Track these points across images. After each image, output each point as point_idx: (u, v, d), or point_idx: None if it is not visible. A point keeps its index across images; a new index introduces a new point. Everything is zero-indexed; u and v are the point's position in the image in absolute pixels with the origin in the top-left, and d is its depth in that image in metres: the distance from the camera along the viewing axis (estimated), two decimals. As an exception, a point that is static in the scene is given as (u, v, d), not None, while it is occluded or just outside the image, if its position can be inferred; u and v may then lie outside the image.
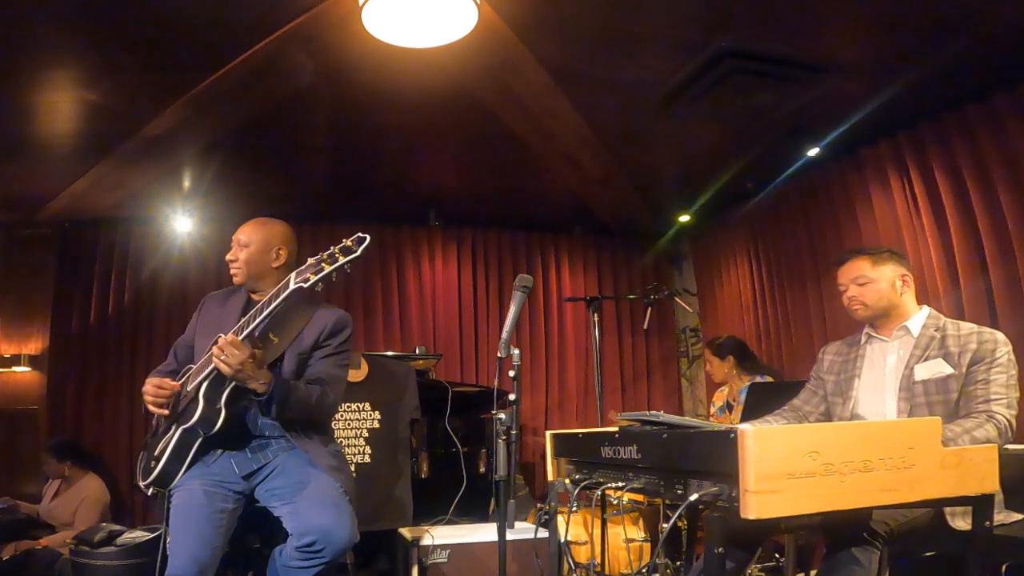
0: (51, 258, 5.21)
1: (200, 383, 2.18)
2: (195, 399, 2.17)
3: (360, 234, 1.97)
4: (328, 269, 1.95)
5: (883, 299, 2.27)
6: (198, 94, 3.53)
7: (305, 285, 1.98)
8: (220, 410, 2.16)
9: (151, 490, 2.30)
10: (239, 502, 2.27)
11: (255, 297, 2.43)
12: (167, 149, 4.14)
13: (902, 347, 2.26)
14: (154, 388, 2.26)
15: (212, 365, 2.14)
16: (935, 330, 2.21)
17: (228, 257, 2.42)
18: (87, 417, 5.12)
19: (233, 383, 2.15)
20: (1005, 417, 2.00)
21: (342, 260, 1.95)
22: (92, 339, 5.20)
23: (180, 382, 2.35)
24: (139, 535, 3.37)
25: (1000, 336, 2.12)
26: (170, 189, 4.72)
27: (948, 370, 2.11)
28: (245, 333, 2.09)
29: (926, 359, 2.17)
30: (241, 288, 2.49)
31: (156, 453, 2.28)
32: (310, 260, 2.00)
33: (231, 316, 2.38)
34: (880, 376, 2.28)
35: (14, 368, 4.98)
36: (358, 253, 1.95)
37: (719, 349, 4.37)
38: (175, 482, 2.25)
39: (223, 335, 2.08)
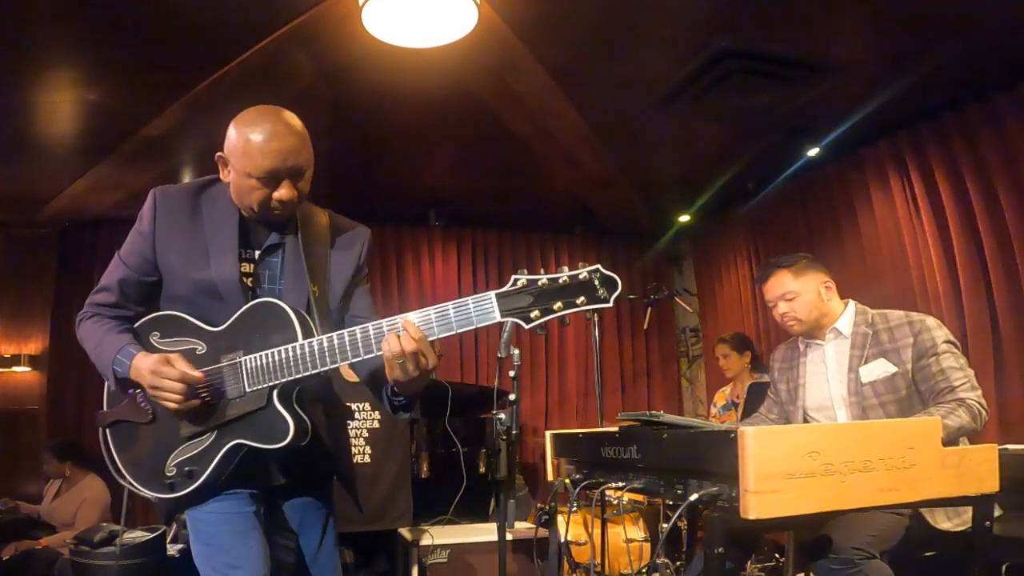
0: (51, 258, 5.21)
1: (271, 389, 1.55)
2: (268, 409, 1.56)
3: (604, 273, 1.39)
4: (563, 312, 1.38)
5: (814, 310, 2.28)
6: (198, 94, 3.52)
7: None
8: (302, 416, 1.59)
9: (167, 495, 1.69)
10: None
11: (248, 216, 1.69)
12: (167, 149, 4.14)
13: (838, 349, 2.27)
14: (181, 385, 1.56)
15: (281, 360, 1.53)
16: (866, 326, 2.22)
17: (283, 197, 1.60)
18: (87, 417, 5.10)
19: (300, 380, 1.57)
20: (975, 400, 2.00)
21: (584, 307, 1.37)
22: (92, 339, 5.20)
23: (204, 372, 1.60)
24: (139, 535, 3.37)
25: (930, 321, 2.13)
26: (170, 189, 4.72)
27: (892, 368, 2.13)
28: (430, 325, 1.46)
29: (866, 360, 2.17)
30: (222, 191, 1.76)
31: (180, 460, 1.66)
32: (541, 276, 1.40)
33: (230, 240, 1.71)
34: (823, 383, 2.29)
35: (14, 368, 4.99)
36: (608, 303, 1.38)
37: (741, 343, 4.37)
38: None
39: (409, 320, 1.44)
